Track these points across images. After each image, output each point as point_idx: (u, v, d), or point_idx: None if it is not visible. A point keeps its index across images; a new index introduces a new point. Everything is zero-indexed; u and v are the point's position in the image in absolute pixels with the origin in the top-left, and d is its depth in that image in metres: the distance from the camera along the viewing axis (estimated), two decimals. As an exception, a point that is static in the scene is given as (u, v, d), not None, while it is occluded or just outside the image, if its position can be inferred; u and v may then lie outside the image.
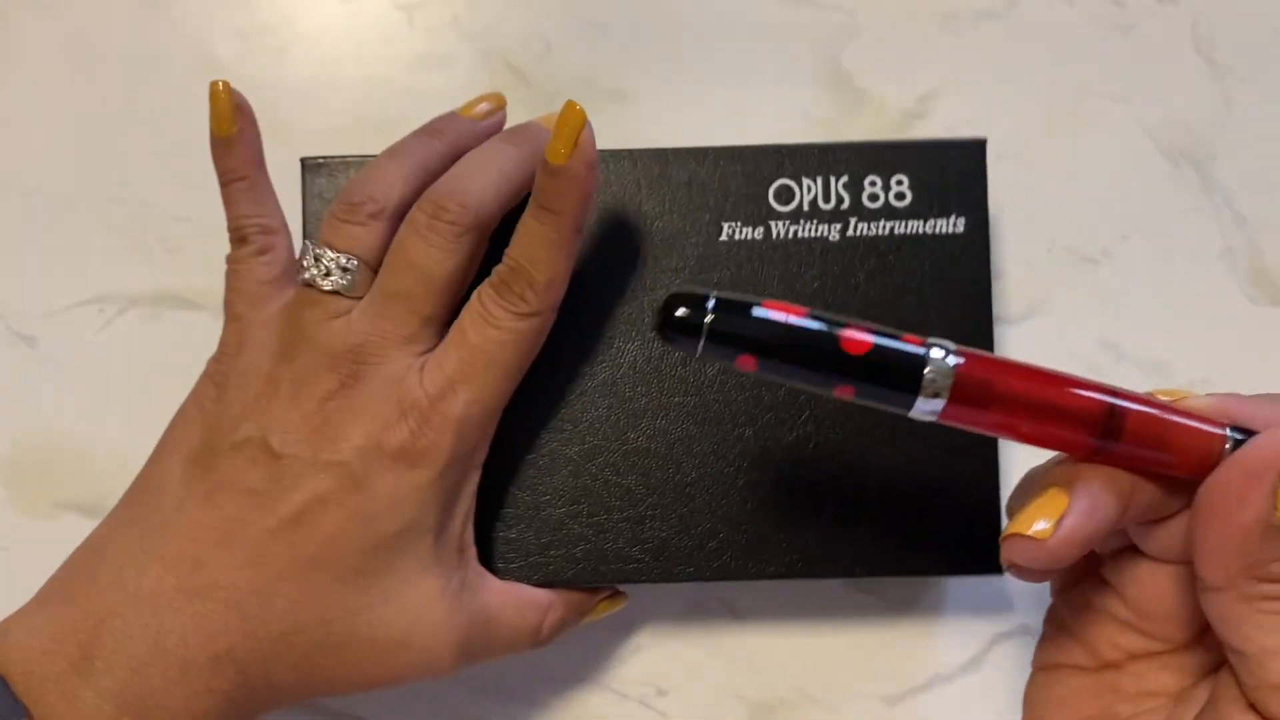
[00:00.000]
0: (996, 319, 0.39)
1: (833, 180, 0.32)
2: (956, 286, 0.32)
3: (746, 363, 0.23)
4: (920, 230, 0.32)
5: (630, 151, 0.33)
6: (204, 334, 0.39)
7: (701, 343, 0.23)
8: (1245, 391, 0.38)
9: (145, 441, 0.40)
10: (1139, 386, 0.38)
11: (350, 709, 0.37)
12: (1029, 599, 0.37)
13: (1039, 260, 0.39)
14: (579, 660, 0.37)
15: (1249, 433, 0.24)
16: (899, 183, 0.32)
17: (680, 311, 0.23)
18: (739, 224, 0.32)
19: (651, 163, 0.33)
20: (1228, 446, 0.24)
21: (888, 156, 0.32)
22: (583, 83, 0.40)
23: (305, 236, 0.34)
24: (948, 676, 0.38)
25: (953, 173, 0.32)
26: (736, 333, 0.23)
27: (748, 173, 0.32)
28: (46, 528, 0.39)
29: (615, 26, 0.40)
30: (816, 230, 0.32)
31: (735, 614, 0.38)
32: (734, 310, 0.23)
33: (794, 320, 0.23)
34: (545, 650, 0.37)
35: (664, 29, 0.40)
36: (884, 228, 0.32)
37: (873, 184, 0.32)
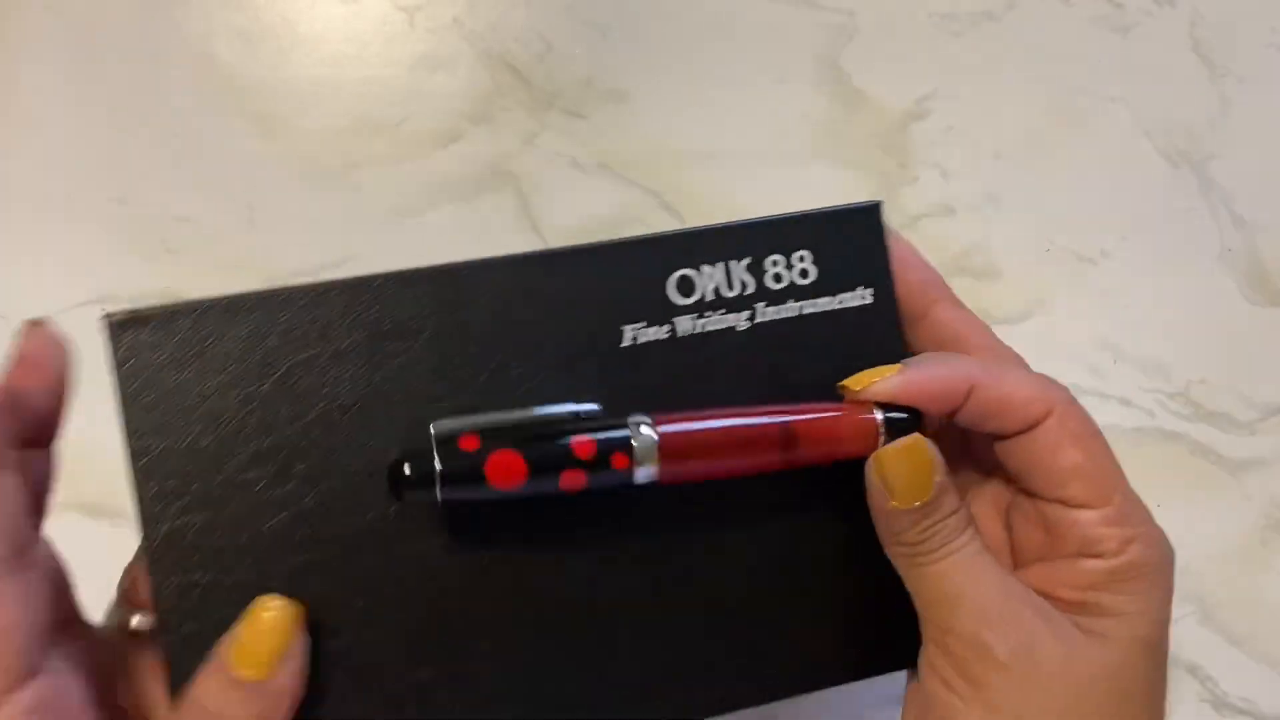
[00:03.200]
0: (996, 319, 0.39)
1: (733, 265, 0.30)
2: (870, 357, 0.30)
3: (501, 478, 0.26)
4: (829, 307, 0.31)
5: (505, 259, 0.28)
6: (205, 334, 0.39)
7: (439, 489, 0.25)
8: (1245, 389, 0.38)
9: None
10: (1138, 385, 0.39)
11: (351, 708, 0.37)
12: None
13: (1038, 260, 0.39)
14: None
15: (899, 409, 0.28)
16: (801, 259, 0.30)
17: (407, 469, 0.25)
18: (642, 325, 0.29)
19: (534, 270, 0.28)
20: (880, 428, 0.28)
21: (787, 233, 0.30)
22: (582, 83, 0.40)
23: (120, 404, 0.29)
24: (947, 676, 0.38)
25: (854, 242, 0.30)
26: (471, 473, 0.25)
27: (643, 267, 0.29)
28: (47, 527, 0.39)
29: (615, 27, 0.41)
30: (724, 321, 0.30)
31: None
32: (460, 457, 0.25)
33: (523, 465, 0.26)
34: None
35: (664, 30, 0.41)
36: (792, 309, 0.31)
37: (775, 264, 0.30)
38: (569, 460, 0.26)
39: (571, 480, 0.26)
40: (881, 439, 0.28)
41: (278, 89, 0.41)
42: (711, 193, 0.40)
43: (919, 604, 0.28)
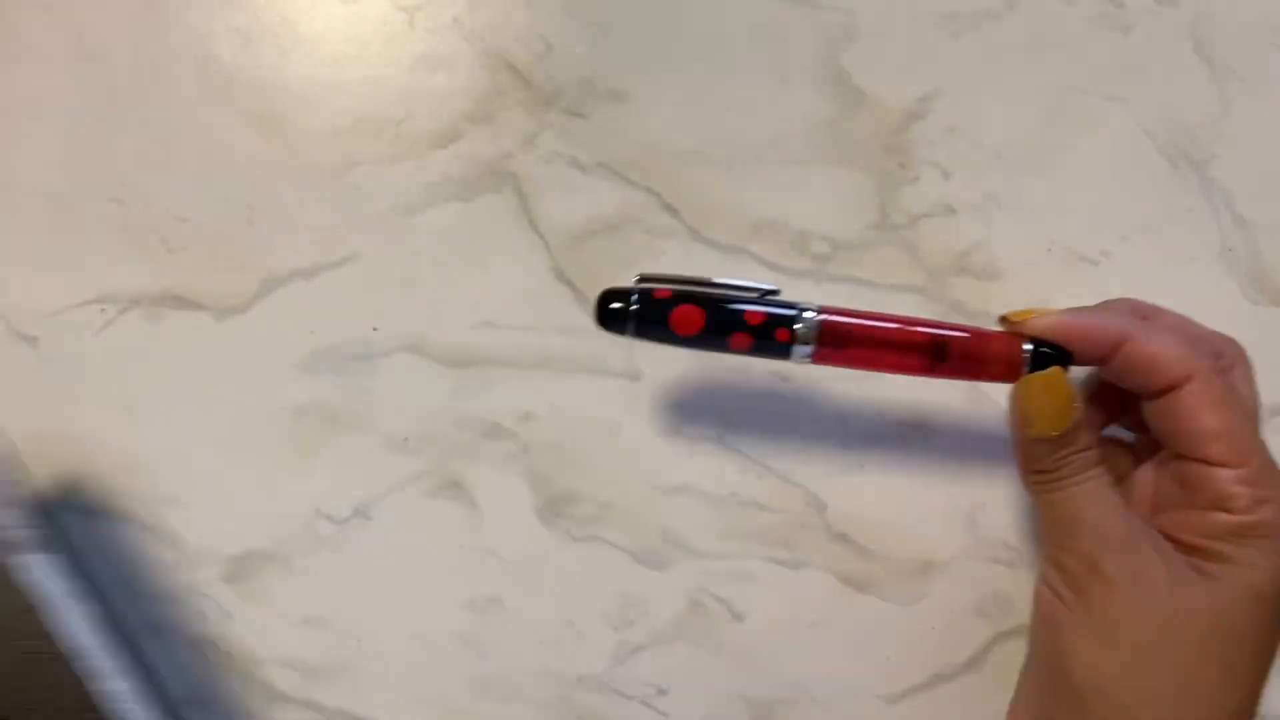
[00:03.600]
0: (992, 319, 0.39)
1: None
2: None
3: (682, 326, 0.31)
4: None
5: None
6: (205, 334, 0.39)
7: (631, 326, 0.31)
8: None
9: (146, 441, 0.40)
10: (1138, 386, 0.39)
11: (352, 708, 0.37)
12: (1030, 598, 0.37)
13: (1038, 260, 0.39)
14: (580, 660, 0.38)
15: (1047, 345, 0.30)
16: None
17: (613, 305, 0.31)
18: None
19: None
20: (1026, 358, 0.30)
21: None
22: (582, 83, 0.40)
23: None
24: (948, 675, 0.38)
25: None
26: (659, 316, 0.31)
27: None
28: (48, 523, 0.39)
29: (615, 27, 0.41)
30: None
31: (735, 614, 0.38)
32: (654, 302, 0.31)
33: (710, 300, 0.31)
34: (546, 650, 0.37)
35: (664, 29, 0.41)
36: None
37: None
38: (740, 324, 0.31)
39: (739, 342, 0.31)
40: (1026, 369, 0.30)
41: (277, 89, 0.41)
42: (712, 192, 0.40)
43: (1044, 527, 0.31)
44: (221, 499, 0.38)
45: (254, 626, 0.38)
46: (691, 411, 0.39)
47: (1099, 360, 0.30)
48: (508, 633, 0.38)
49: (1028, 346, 0.30)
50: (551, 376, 0.39)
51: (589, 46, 0.40)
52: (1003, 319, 0.31)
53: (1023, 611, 0.37)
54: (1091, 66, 0.40)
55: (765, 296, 0.32)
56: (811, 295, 0.39)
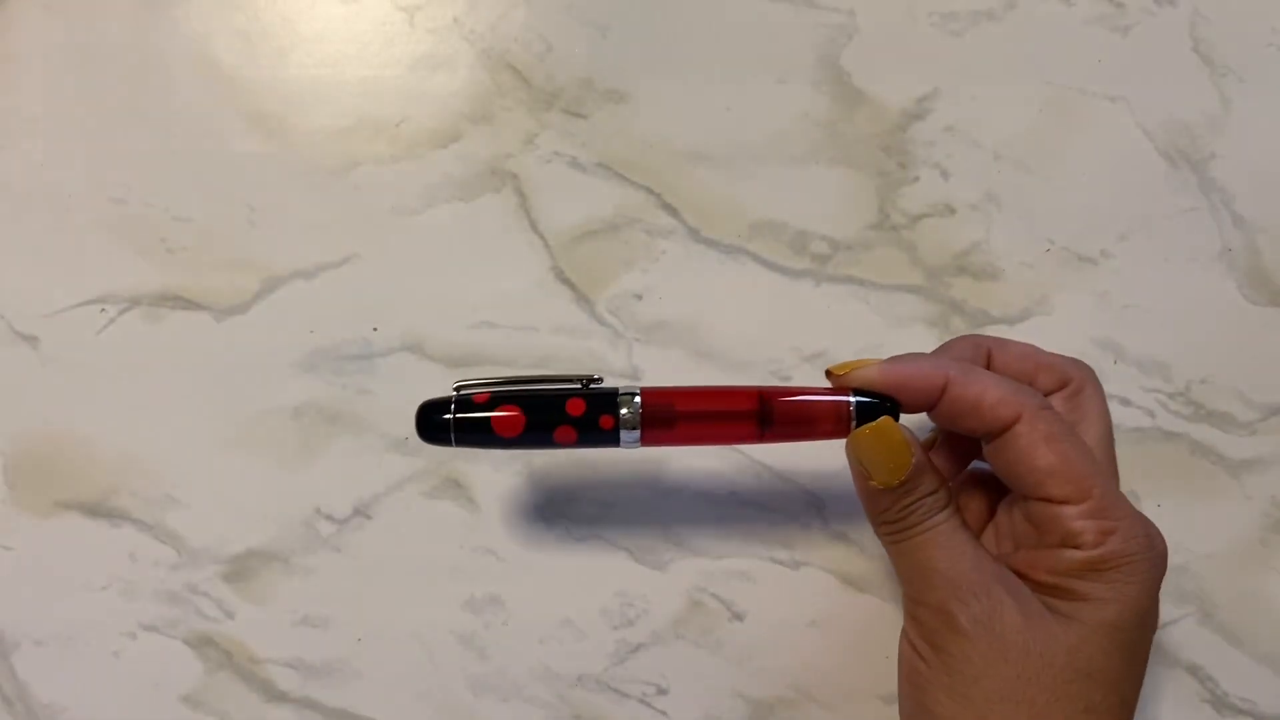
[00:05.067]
0: (996, 319, 0.39)
1: None
2: None
3: (504, 428, 0.31)
4: None
5: None
6: (204, 334, 0.39)
7: (452, 435, 0.31)
8: (1245, 389, 0.38)
9: (146, 441, 0.40)
10: (1138, 385, 0.39)
11: (352, 707, 0.37)
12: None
13: (1038, 260, 0.39)
14: (580, 660, 0.38)
15: (873, 396, 0.30)
16: None
17: (433, 417, 0.31)
18: None
19: None
20: (851, 409, 0.30)
21: None
22: (582, 83, 0.40)
23: None
24: (947, 676, 0.38)
25: None
26: (479, 423, 0.31)
27: None
28: (48, 527, 0.39)
29: (615, 27, 0.41)
30: None
31: (735, 613, 0.38)
32: (471, 408, 0.31)
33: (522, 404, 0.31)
34: (546, 650, 0.37)
35: (663, 30, 0.41)
36: None
37: None
38: (562, 417, 0.31)
39: (565, 436, 0.31)
40: (853, 423, 0.30)
41: (277, 89, 0.41)
42: (711, 192, 0.40)
43: (900, 579, 0.31)
44: (221, 498, 0.38)
45: (254, 626, 0.38)
46: (691, 411, 0.39)
47: (926, 407, 0.30)
48: (508, 632, 0.38)
49: (854, 400, 0.30)
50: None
51: (589, 47, 0.40)
52: (828, 373, 0.31)
53: (1022, 611, 0.37)
54: (1091, 66, 0.40)
55: (588, 386, 0.31)
56: (811, 296, 0.39)
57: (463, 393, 0.31)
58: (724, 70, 0.40)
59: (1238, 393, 0.39)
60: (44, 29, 0.41)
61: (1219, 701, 0.37)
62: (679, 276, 0.39)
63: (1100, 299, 0.39)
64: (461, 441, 0.31)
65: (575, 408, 0.31)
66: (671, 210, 0.40)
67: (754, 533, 0.38)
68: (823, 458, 0.38)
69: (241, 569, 0.38)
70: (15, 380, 0.39)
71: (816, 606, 0.38)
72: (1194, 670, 0.37)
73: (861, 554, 0.38)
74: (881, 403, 0.30)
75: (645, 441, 0.31)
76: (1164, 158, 0.40)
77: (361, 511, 0.38)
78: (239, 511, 0.38)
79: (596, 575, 0.38)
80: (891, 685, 0.38)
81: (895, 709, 0.38)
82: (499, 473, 0.38)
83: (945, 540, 0.29)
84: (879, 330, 0.39)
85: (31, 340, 0.39)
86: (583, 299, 0.39)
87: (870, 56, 0.40)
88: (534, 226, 0.40)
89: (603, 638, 0.38)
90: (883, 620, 0.38)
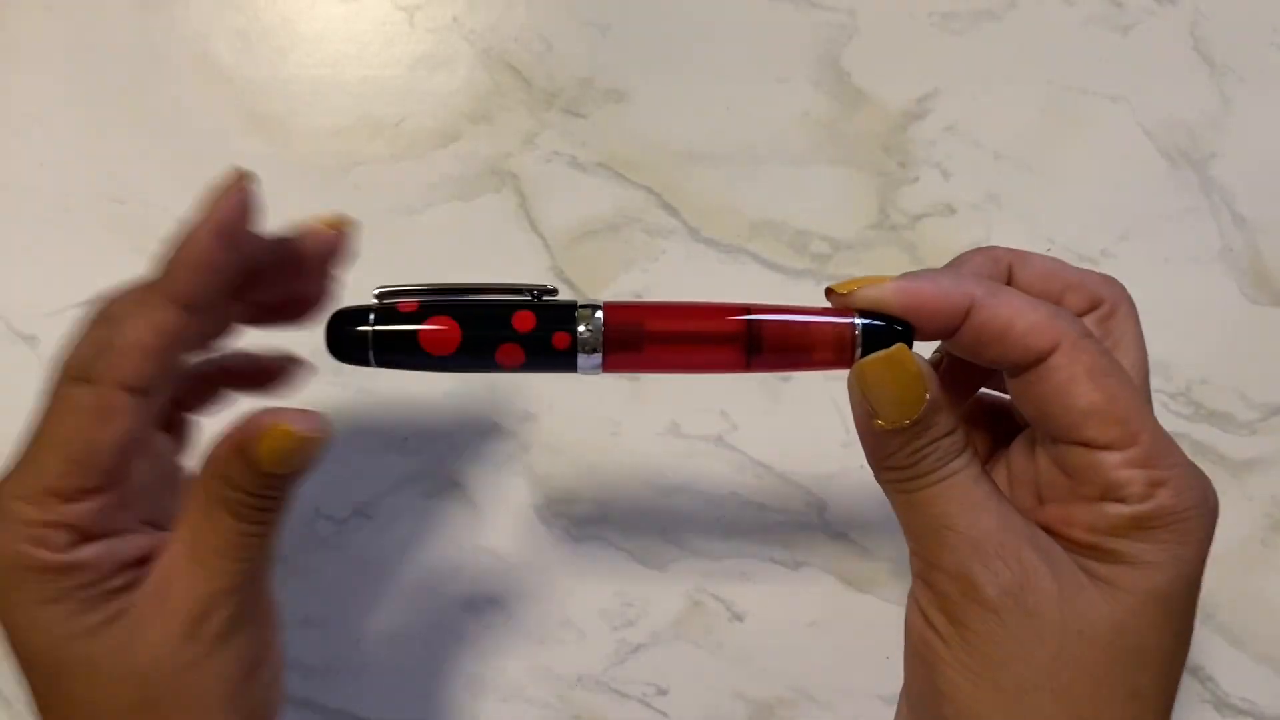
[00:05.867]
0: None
1: None
2: None
3: (436, 344, 0.26)
4: None
5: None
6: (204, 334, 0.39)
7: (371, 353, 0.26)
8: (1246, 389, 0.38)
9: (146, 441, 0.40)
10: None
11: (349, 707, 0.37)
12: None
13: (1038, 260, 0.39)
14: (580, 660, 0.37)
15: (882, 318, 0.25)
16: None
17: (347, 329, 0.26)
18: None
19: None
20: (857, 333, 0.25)
21: None
22: (582, 83, 0.40)
23: None
24: (947, 676, 0.37)
25: None
26: (405, 337, 0.26)
27: None
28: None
29: (615, 27, 0.41)
30: None
31: (735, 614, 0.38)
32: (395, 319, 0.26)
33: (463, 308, 0.26)
34: (546, 650, 0.37)
35: (663, 29, 0.40)
36: None
37: None
38: (507, 334, 0.25)
39: (509, 356, 0.26)
40: (858, 351, 0.25)
41: (277, 89, 0.41)
42: (711, 192, 0.40)
43: (909, 537, 0.26)
44: (221, 499, 0.38)
45: (254, 626, 0.38)
46: (691, 411, 0.39)
47: (944, 333, 0.25)
48: (507, 632, 0.38)
49: (859, 323, 0.25)
50: (551, 378, 0.39)
51: (588, 46, 0.40)
52: (829, 292, 0.26)
53: (1022, 611, 0.37)
54: (1091, 66, 0.40)
55: (539, 298, 0.26)
56: (812, 296, 0.39)
57: (386, 300, 0.26)
58: (724, 70, 0.40)
59: (1238, 393, 0.39)
60: (44, 29, 0.41)
61: (1219, 702, 0.37)
62: (679, 276, 0.39)
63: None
64: (383, 360, 0.26)
65: (523, 322, 0.25)
66: (671, 210, 0.40)
67: (754, 533, 0.38)
68: (824, 458, 0.38)
69: (241, 569, 0.38)
70: (15, 380, 0.39)
71: (817, 607, 0.38)
72: (1194, 670, 0.37)
73: (862, 554, 0.38)
74: (891, 327, 0.25)
75: (608, 367, 0.26)
76: (1165, 157, 0.40)
77: (361, 512, 0.38)
78: (239, 511, 0.38)
79: (596, 575, 0.38)
80: (893, 686, 0.38)
81: (895, 709, 0.38)
82: (499, 473, 0.38)
83: (964, 491, 0.24)
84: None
85: (31, 340, 0.39)
86: (582, 298, 0.39)
87: (871, 56, 0.40)
88: (534, 226, 0.40)
89: (602, 638, 0.38)
90: (884, 620, 0.37)
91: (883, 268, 0.39)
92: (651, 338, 0.26)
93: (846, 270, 0.39)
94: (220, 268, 0.26)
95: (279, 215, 0.40)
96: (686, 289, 0.39)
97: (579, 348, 0.25)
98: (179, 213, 0.40)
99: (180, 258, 0.26)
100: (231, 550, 0.25)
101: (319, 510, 0.38)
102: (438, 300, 0.26)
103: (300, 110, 0.40)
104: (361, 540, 0.38)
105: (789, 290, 0.39)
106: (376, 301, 0.26)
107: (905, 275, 0.25)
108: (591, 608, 0.38)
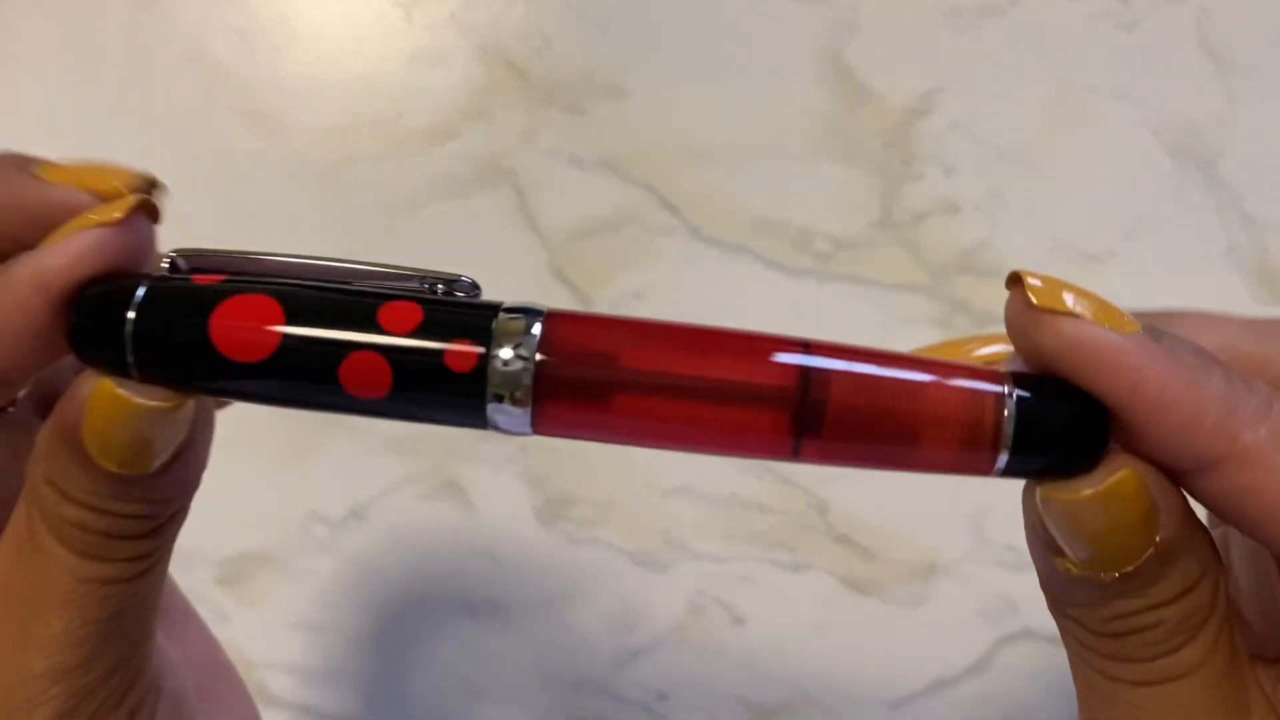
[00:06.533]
0: (1000, 319, 0.38)
1: None
2: None
3: (239, 346, 0.15)
4: None
5: None
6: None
7: (130, 360, 0.16)
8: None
9: (138, 442, 0.40)
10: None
11: (345, 712, 0.37)
12: (1034, 602, 0.37)
13: (1042, 259, 0.39)
14: (579, 665, 0.37)
15: (1044, 384, 0.15)
16: None
17: (91, 314, 0.16)
18: None
19: None
20: (1006, 414, 0.15)
21: None
22: (581, 79, 0.40)
23: None
24: (951, 680, 0.37)
25: None
26: (180, 324, 0.15)
27: None
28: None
29: (614, 22, 0.40)
30: None
31: (736, 618, 0.37)
32: (178, 301, 0.15)
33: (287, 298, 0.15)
34: (545, 654, 0.37)
35: (663, 24, 0.40)
36: None
37: None
38: (364, 332, 0.15)
39: (363, 375, 0.15)
40: (1004, 445, 0.15)
41: (273, 86, 0.40)
42: (712, 190, 0.39)
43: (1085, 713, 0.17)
44: (215, 500, 0.38)
45: (248, 630, 0.37)
46: (692, 412, 0.38)
47: (1177, 470, 0.16)
48: (505, 636, 0.37)
49: (1012, 394, 0.15)
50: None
51: (588, 42, 0.40)
52: (1014, 281, 0.17)
53: (1027, 615, 0.37)
54: (1096, 63, 0.40)
55: (435, 289, 0.17)
56: (814, 295, 0.39)
57: (177, 270, 0.17)
58: (725, 66, 0.40)
59: (1245, 393, 0.38)
60: (37, 26, 0.41)
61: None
62: (679, 275, 0.39)
63: (1105, 297, 0.39)
64: (148, 366, 0.16)
65: (398, 319, 0.15)
66: (672, 208, 0.39)
67: (755, 535, 0.38)
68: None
69: (235, 572, 0.38)
70: (6, 380, 0.39)
71: (819, 610, 0.37)
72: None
73: (865, 557, 0.38)
74: (1079, 411, 0.15)
75: (544, 423, 0.16)
76: (1170, 155, 0.39)
77: (357, 514, 0.38)
78: (233, 513, 0.38)
79: (596, 579, 0.38)
80: (897, 690, 0.38)
81: (898, 713, 0.37)
82: (497, 474, 0.38)
83: (1196, 705, 0.15)
84: (882, 330, 0.38)
85: (22, 340, 0.39)
86: (582, 298, 0.39)
87: (873, 52, 0.40)
88: (532, 224, 0.39)
89: (602, 642, 0.37)
90: (887, 624, 0.37)
91: (886, 267, 0.39)
92: (624, 385, 0.15)
93: (849, 270, 0.39)
94: (40, 334, 0.16)
95: (275, 214, 0.40)
96: (687, 288, 0.39)
97: (490, 386, 0.15)
98: (175, 211, 0.40)
99: None
100: (69, 604, 0.16)
101: (314, 512, 0.38)
102: (257, 281, 0.16)
103: (296, 107, 0.40)
104: (357, 543, 0.38)
105: (791, 289, 0.39)
106: (158, 272, 0.16)
107: (1141, 333, 0.15)
108: (591, 612, 0.37)
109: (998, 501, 0.37)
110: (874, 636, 0.37)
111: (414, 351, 0.15)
